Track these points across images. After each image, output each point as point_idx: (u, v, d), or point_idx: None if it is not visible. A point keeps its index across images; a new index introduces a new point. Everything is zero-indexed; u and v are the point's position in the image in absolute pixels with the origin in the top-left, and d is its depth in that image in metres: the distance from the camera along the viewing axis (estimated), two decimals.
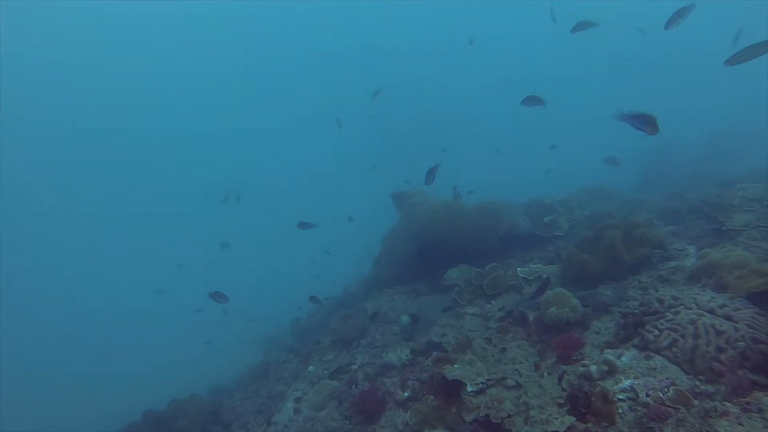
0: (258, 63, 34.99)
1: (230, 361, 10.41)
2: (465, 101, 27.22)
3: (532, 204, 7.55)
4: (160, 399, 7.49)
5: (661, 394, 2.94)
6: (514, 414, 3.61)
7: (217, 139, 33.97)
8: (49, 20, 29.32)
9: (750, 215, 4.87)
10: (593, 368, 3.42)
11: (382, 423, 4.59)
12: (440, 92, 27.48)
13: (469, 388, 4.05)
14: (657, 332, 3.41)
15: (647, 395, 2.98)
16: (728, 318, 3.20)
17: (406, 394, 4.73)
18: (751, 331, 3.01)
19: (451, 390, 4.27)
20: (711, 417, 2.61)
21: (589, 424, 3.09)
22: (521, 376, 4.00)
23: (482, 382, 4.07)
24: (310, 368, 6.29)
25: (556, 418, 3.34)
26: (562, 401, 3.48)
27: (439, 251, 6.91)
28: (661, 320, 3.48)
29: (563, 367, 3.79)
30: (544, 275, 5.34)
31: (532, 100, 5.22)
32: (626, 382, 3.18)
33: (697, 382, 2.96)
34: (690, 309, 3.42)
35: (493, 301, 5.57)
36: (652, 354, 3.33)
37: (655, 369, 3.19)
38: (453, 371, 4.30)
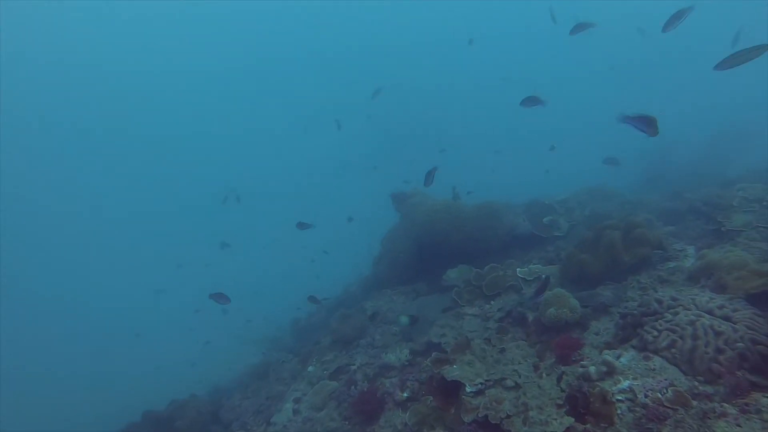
0: (258, 63, 34.99)
1: (230, 361, 10.40)
2: (464, 101, 27.24)
3: (532, 204, 7.55)
4: (159, 399, 7.49)
5: (659, 395, 2.93)
6: (513, 415, 3.61)
7: (217, 139, 33.98)
8: (49, 20, 29.32)
9: (749, 216, 4.87)
10: (592, 369, 3.42)
11: (381, 423, 4.59)
12: (440, 92, 27.50)
13: (468, 389, 4.05)
14: (656, 333, 3.41)
15: (646, 396, 2.98)
16: (727, 319, 3.20)
17: (405, 394, 4.73)
18: (749, 332, 3.01)
19: (450, 391, 4.27)
20: (709, 418, 2.61)
21: (588, 425, 3.09)
22: (520, 376, 4.00)
23: (481, 383, 4.07)
24: (310, 368, 6.29)
25: (555, 419, 3.34)
26: (561, 402, 3.48)
27: (439, 251, 6.92)
28: (660, 321, 3.48)
29: (562, 367, 3.79)
30: (543, 276, 5.34)
31: (531, 101, 5.21)
32: (625, 383, 3.18)
33: (696, 383, 2.96)
34: (689, 310, 3.42)
35: (492, 302, 5.57)
36: (651, 355, 3.33)
37: (653, 370, 3.19)
38: (452, 372, 4.30)
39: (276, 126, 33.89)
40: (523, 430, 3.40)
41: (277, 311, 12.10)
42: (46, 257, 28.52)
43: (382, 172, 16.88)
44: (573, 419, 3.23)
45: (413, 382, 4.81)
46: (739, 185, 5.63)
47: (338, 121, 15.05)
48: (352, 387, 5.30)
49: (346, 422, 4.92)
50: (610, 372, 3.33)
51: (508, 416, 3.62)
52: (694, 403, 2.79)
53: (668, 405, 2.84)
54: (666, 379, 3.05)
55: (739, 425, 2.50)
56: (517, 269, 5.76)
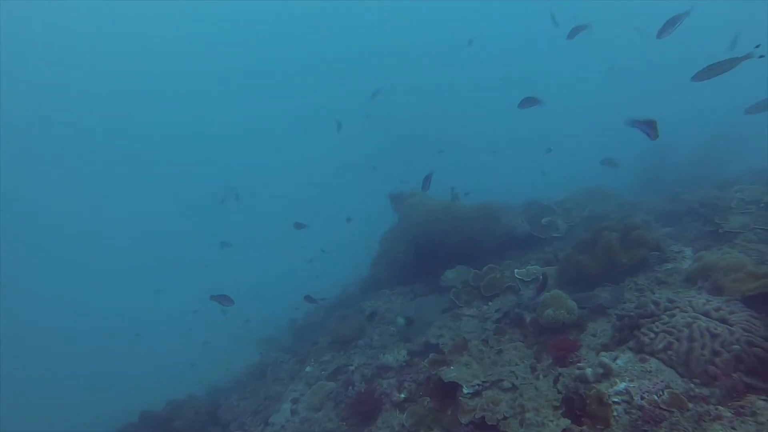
0: (258, 63, 35.00)
1: (228, 361, 10.41)
2: (464, 101, 27.23)
3: (531, 205, 7.55)
4: (159, 399, 7.50)
5: (655, 397, 2.93)
6: (509, 416, 3.62)
7: (216, 139, 33.99)
8: (49, 20, 29.34)
9: (747, 217, 4.87)
10: (589, 371, 3.42)
11: (378, 424, 4.59)
12: (439, 92, 27.49)
13: (465, 390, 4.05)
14: (652, 335, 3.41)
15: (642, 398, 2.98)
16: (723, 321, 3.20)
17: (403, 395, 4.73)
18: (746, 334, 3.00)
19: (448, 392, 4.27)
20: (704, 421, 2.61)
21: (584, 427, 3.09)
22: (517, 378, 4.00)
23: (478, 384, 4.07)
24: (308, 369, 6.29)
25: (552, 421, 3.34)
26: (558, 404, 3.48)
27: (437, 252, 6.91)
28: (656, 323, 3.48)
29: (559, 369, 3.79)
30: (540, 276, 5.34)
31: (528, 102, 5.20)
32: (621, 385, 3.18)
33: (692, 385, 2.96)
34: (685, 312, 3.42)
35: (490, 303, 5.57)
36: (648, 357, 3.33)
37: (650, 372, 3.19)
38: (449, 373, 4.30)
39: (276, 126, 33.90)
40: None
41: (277, 311, 12.10)
42: (46, 257, 28.54)
43: (381, 172, 16.87)
44: (569, 421, 3.24)
45: (411, 383, 4.81)
46: (737, 187, 5.63)
47: (338, 122, 15.06)
48: (350, 388, 5.31)
49: (344, 423, 4.92)
50: (607, 374, 3.33)
51: (505, 418, 3.62)
52: (690, 405, 2.79)
53: (664, 407, 2.84)
54: (662, 381, 3.05)
55: (734, 428, 2.50)
56: (515, 270, 5.76)
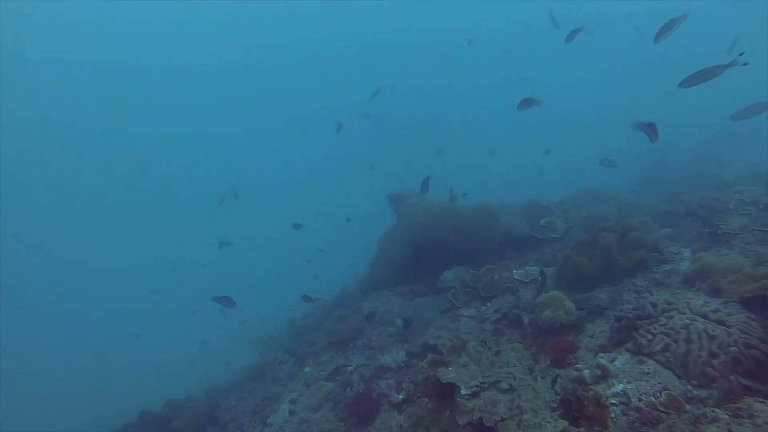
0: (258, 63, 35.01)
1: (227, 361, 10.42)
2: (463, 101, 27.22)
3: (529, 206, 7.55)
4: (159, 399, 7.50)
5: (653, 399, 2.93)
6: (507, 417, 3.61)
7: (216, 139, 34.01)
8: (49, 20, 29.34)
9: (745, 219, 4.86)
10: (586, 372, 3.42)
11: (376, 425, 4.59)
12: (439, 92, 27.49)
13: (463, 391, 4.05)
14: (650, 336, 3.40)
15: (640, 400, 2.98)
16: (721, 323, 3.19)
17: (401, 396, 4.73)
18: (743, 336, 3.00)
19: (446, 393, 4.27)
20: (701, 423, 2.61)
21: (582, 429, 3.09)
22: (515, 379, 4.00)
23: (476, 385, 4.07)
24: (306, 369, 6.29)
25: (549, 422, 3.34)
26: (555, 405, 3.48)
27: (436, 252, 6.91)
28: (654, 324, 3.47)
29: (557, 370, 3.79)
30: (539, 276, 5.33)
31: (526, 103, 5.20)
32: (619, 387, 3.17)
33: (690, 387, 2.96)
34: (683, 313, 3.41)
35: (488, 304, 5.56)
36: (645, 358, 3.32)
37: (647, 373, 3.19)
38: (447, 374, 4.30)
39: (276, 126, 33.91)
40: None
41: (276, 311, 12.11)
42: (46, 257, 28.58)
43: (380, 172, 16.87)
44: (567, 422, 3.23)
45: (409, 384, 4.81)
46: (736, 188, 5.62)
47: (338, 122, 15.05)
48: (348, 388, 5.30)
49: (342, 424, 4.92)
50: (605, 375, 3.33)
51: (503, 419, 3.61)
52: (688, 407, 2.78)
53: (662, 409, 2.83)
54: (660, 383, 3.04)
55: (731, 430, 2.50)
56: (514, 271, 5.75)
